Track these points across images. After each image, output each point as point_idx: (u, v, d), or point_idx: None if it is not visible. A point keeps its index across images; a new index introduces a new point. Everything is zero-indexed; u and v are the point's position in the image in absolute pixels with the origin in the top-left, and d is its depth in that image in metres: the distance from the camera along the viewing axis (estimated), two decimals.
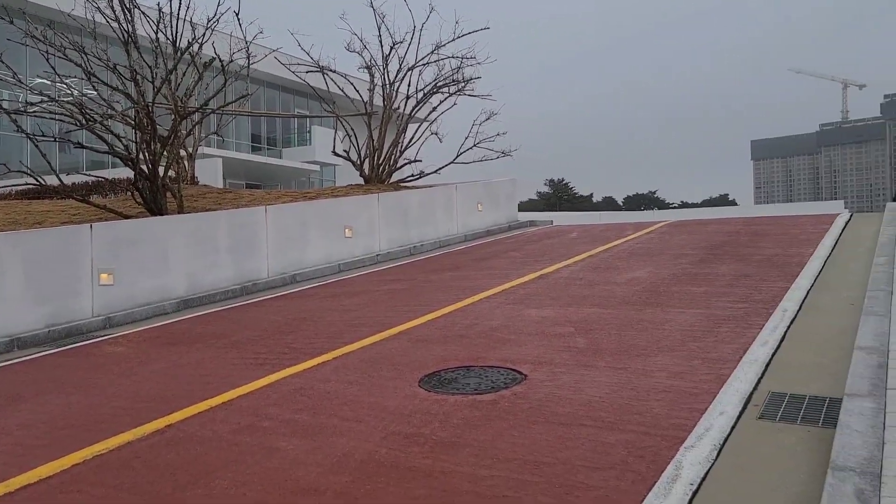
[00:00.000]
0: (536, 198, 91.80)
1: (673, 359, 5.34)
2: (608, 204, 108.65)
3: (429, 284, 9.76)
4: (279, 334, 7.37)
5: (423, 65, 16.93)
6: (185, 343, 7.44)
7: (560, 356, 5.65)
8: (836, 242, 10.27)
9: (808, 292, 7.21)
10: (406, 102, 17.25)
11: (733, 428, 3.99)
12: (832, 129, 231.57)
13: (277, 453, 4.10)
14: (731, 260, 9.51)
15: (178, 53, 12.18)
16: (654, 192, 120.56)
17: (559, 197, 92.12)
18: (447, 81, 16.92)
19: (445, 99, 17.70)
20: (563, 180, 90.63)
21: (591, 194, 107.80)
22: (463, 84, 17.42)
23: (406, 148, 17.51)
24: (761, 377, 4.80)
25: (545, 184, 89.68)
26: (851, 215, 13.40)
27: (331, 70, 16.86)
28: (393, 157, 16.87)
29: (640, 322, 6.53)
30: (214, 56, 12.13)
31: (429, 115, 17.87)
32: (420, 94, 17.13)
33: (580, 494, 3.32)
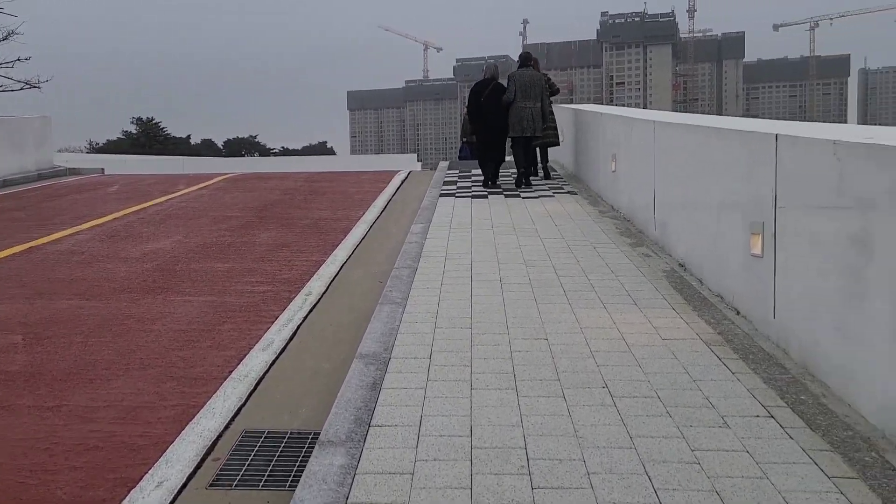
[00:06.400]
0: (124, 137, 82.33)
1: (140, 382, 3.93)
2: (207, 147, 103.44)
3: None
4: None
5: None
6: None
7: None
8: (388, 203, 10.01)
9: (342, 266, 6.47)
10: None
11: None
12: (416, 85, 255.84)
13: None
14: (276, 225, 8.49)
15: None
16: (255, 137, 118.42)
17: (150, 137, 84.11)
18: None
19: None
20: (152, 119, 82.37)
21: (189, 136, 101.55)
22: None
23: None
24: (244, 403, 3.68)
25: (132, 122, 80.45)
26: (409, 173, 13.61)
27: None
28: None
29: (125, 320, 4.99)
30: None
31: None
32: None
33: None
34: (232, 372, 4.07)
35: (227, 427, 3.42)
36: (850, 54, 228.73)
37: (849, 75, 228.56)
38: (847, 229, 3.24)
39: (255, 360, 4.23)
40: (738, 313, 4.56)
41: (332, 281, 5.99)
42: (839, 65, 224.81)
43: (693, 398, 3.32)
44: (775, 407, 3.20)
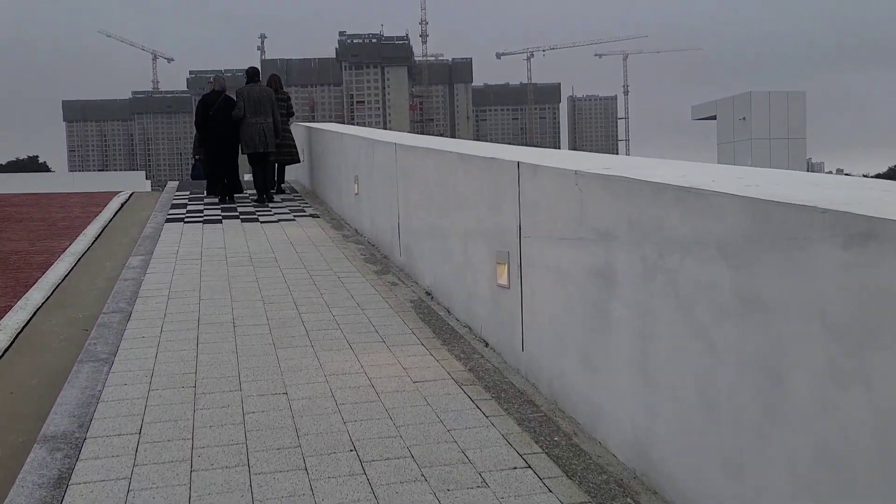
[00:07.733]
0: None
1: None
2: None
3: None
4: None
5: None
6: None
7: None
8: (103, 231, 8.71)
9: (35, 312, 5.32)
10: None
11: None
12: (145, 97, 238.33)
13: None
14: None
15: None
16: None
17: None
18: None
19: None
20: None
21: None
22: None
23: None
24: None
25: None
26: (132, 195, 12.16)
27: None
28: None
29: None
30: None
31: None
32: None
33: None
34: None
35: None
36: (560, 83, 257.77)
37: (560, 101, 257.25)
38: (590, 260, 3.18)
39: None
40: (486, 345, 4.42)
41: (19, 332, 4.87)
42: (552, 92, 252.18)
43: (449, 453, 3.01)
44: (531, 454, 3.01)
